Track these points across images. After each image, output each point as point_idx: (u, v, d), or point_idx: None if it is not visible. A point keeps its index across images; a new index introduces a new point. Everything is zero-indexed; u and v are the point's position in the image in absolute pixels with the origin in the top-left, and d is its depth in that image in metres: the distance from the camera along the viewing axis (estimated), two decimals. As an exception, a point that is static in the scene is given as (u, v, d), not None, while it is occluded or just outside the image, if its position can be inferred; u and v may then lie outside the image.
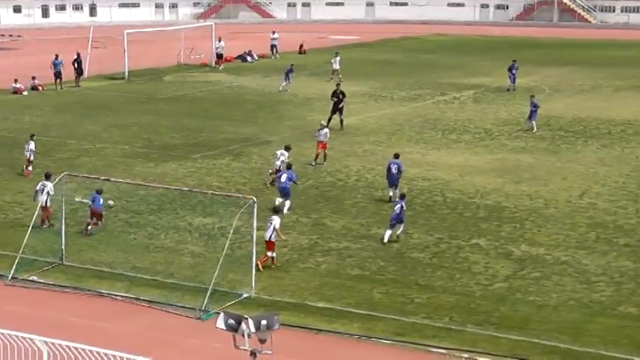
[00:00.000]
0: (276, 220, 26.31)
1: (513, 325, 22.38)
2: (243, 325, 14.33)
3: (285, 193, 31.63)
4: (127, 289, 24.61)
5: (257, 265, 25.05)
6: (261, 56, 77.27)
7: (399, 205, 28.69)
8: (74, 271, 25.98)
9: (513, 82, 58.78)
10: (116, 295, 24.25)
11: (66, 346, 15.78)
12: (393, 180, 33.17)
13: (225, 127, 46.89)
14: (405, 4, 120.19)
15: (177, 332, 22.12)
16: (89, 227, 29.06)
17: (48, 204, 29.40)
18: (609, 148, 42.04)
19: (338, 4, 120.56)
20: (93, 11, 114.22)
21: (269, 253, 26.16)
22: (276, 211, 27.32)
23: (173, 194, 32.17)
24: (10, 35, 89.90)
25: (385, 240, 28.38)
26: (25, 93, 57.22)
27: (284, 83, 58.86)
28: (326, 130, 39.50)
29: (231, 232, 24.56)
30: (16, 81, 57.70)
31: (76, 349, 15.69)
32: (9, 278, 25.23)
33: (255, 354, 14.54)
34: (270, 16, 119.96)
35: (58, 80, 59.37)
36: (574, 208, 32.43)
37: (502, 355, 20.76)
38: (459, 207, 32.44)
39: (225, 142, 43.13)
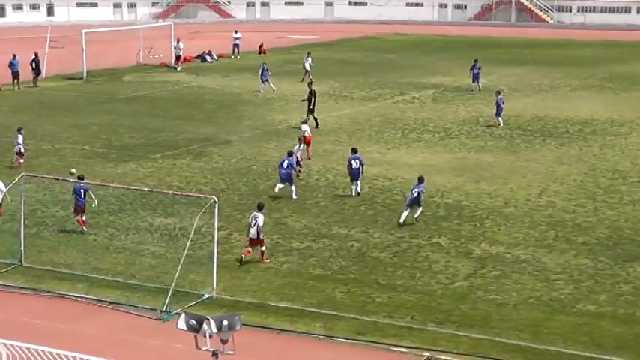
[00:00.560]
0: (260, 218, 26.57)
1: (474, 323, 22.51)
2: (205, 326, 14.30)
3: (287, 179, 33.01)
4: (88, 290, 24.46)
5: (242, 255, 26.25)
6: (220, 56, 77.09)
7: (416, 190, 30.19)
8: (34, 272, 25.78)
9: (475, 81, 59.05)
10: (76, 297, 24.09)
11: (26, 348, 15.68)
12: (355, 175, 33.65)
13: (185, 127, 46.73)
14: (364, 3, 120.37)
15: (138, 333, 22.03)
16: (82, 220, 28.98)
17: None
18: (567, 147, 42.40)
19: (297, 3, 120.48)
20: (50, 11, 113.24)
21: (263, 248, 26.71)
22: (260, 207, 27.32)
23: (133, 195, 32.01)
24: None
25: (401, 221, 29.89)
26: (-18, 93, 56.77)
27: (262, 85, 58.46)
28: (305, 126, 40.62)
29: (192, 232, 24.50)
30: (-28, 81, 57.28)
31: (36, 350, 15.58)
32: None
33: (217, 354, 14.52)
34: (230, 15, 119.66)
35: (15, 80, 58.85)
36: (533, 206, 32.69)
37: (463, 353, 20.89)
38: (419, 206, 32.56)
39: (185, 142, 42.99)
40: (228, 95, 57.53)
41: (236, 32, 78.92)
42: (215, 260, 24.55)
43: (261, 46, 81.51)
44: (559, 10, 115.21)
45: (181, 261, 23.77)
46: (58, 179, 30.69)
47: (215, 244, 24.74)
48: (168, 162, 38.88)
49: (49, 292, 24.39)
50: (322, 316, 22.87)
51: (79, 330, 21.99)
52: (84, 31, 65.89)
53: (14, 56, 59.28)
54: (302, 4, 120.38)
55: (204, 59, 75.39)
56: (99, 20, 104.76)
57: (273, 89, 57.95)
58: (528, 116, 49.94)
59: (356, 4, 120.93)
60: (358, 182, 33.75)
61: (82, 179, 29.65)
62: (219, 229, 25.49)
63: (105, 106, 53.40)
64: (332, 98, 56.28)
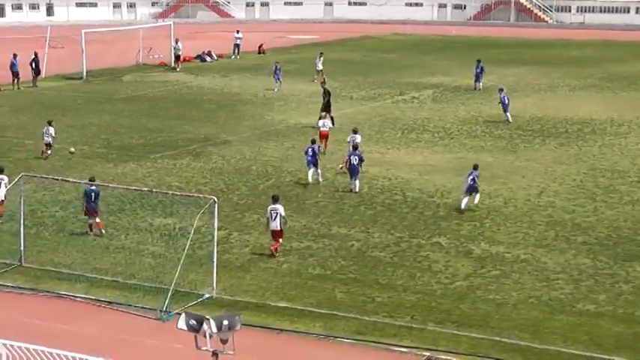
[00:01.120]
0: (280, 209, 26.92)
1: (474, 323, 22.51)
2: (205, 326, 14.30)
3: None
4: (87, 290, 24.46)
5: (273, 251, 26.84)
6: (220, 56, 77.08)
7: (471, 177, 31.76)
8: (33, 272, 25.76)
9: (478, 81, 59.17)
10: (76, 297, 24.08)
11: (25, 348, 15.67)
12: (354, 171, 34.14)
13: (185, 127, 46.72)
14: (364, 3, 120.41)
15: (138, 333, 22.02)
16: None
17: (3, 197, 29.34)
18: (567, 147, 42.41)
19: (296, 3, 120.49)
20: (50, 11, 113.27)
21: (281, 240, 27.05)
22: (276, 199, 27.41)
23: (133, 195, 32.00)
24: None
25: (462, 207, 31.41)
26: (-19, 93, 56.76)
27: (276, 84, 58.62)
28: (322, 120, 41.64)
29: (192, 232, 24.48)
30: (-28, 81, 57.27)
31: (36, 351, 15.58)
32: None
33: (217, 354, 14.52)
34: (229, 15, 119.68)
35: (15, 80, 58.83)
36: (533, 206, 32.69)
37: (463, 353, 20.89)
38: (419, 206, 32.58)
39: (184, 142, 42.98)
40: (227, 95, 57.54)
41: (238, 32, 78.90)
42: (215, 260, 24.54)
43: (260, 47, 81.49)
44: (558, 10, 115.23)
45: (181, 261, 23.75)
46: (57, 179, 30.66)
47: (215, 244, 24.74)
48: (167, 162, 38.87)
49: (48, 292, 24.37)
50: (322, 316, 22.86)
51: (79, 330, 21.98)
52: (83, 31, 65.88)
53: (15, 56, 59.27)
54: (301, 4, 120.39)
55: (203, 59, 75.39)
56: (98, 20, 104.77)
57: (274, 90, 57.95)
58: (528, 116, 49.94)
59: (355, 4, 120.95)
60: (357, 180, 34.11)
61: (93, 180, 29.36)
62: (218, 229, 25.47)
63: (104, 106, 53.40)
64: (331, 98, 56.15)
